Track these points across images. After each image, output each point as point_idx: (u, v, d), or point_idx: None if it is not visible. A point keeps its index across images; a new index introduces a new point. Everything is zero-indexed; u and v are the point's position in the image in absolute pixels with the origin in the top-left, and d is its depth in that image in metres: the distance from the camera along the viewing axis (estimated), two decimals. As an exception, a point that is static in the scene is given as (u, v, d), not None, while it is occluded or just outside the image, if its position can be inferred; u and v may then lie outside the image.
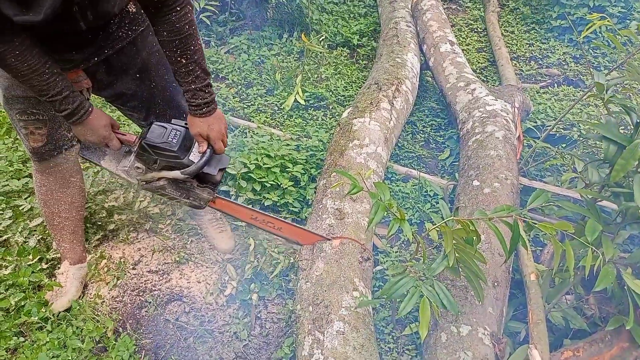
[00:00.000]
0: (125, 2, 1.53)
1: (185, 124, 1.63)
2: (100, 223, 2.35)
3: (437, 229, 1.50)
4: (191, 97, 1.56)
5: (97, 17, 1.45)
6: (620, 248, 1.52)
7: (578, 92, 3.05)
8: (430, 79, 3.29)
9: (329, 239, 1.94)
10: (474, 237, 1.45)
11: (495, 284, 1.76)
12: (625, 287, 1.32)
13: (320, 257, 1.94)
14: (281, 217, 2.38)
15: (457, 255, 1.53)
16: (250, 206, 1.91)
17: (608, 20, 1.38)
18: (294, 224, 1.93)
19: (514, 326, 1.82)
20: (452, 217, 1.48)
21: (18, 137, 1.87)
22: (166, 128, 1.59)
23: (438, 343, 1.63)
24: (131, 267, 2.19)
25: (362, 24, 4.09)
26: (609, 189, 1.40)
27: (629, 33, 1.43)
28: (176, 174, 1.61)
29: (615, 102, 1.32)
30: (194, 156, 1.61)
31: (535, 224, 1.36)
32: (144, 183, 1.69)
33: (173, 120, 1.64)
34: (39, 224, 2.28)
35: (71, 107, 1.47)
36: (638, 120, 1.29)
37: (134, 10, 1.67)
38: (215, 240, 2.30)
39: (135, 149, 1.65)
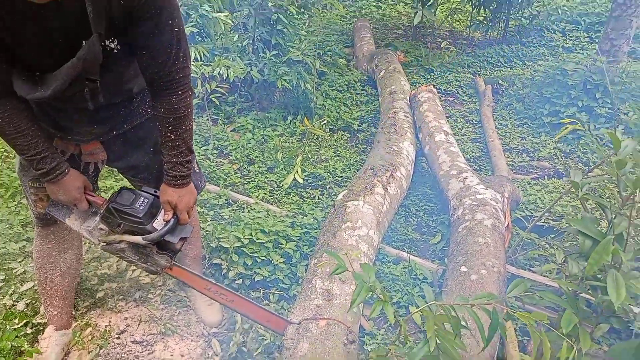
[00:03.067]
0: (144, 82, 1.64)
1: (155, 191, 1.71)
2: (90, 290, 2.36)
3: (420, 312, 1.51)
4: (170, 168, 1.66)
5: (111, 98, 1.58)
6: (601, 341, 1.53)
7: (567, 186, 3.15)
8: (425, 165, 3.41)
9: (288, 321, 1.95)
10: (456, 323, 1.46)
11: (479, 375, 1.74)
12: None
13: (305, 337, 1.92)
14: (271, 292, 2.40)
15: (437, 341, 1.53)
16: (211, 279, 1.94)
17: (579, 125, 1.49)
18: (247, 298, 1.92)
19: (499, 420, 1.77)
20: (434, 302, 1.50)
21: (26, 201, 1.97)
22: (135, 194, 1.68)
23: None
24: (116, 336, 2.18)
25: (363, 110, 4.30)
26: (586, 281, 1.43)
27: (607, 133, 1.52)
28: (138, 239, 1.66)
29: (591, 199, 1.40)
30: (158, 224, 1.67)
31: (514, 312, 1.38)
32: (105, 244, 1.74)
33: (143, 188, 1.73)
34: (29, 288, 2.30)
35: (47, 167, 1.55)
36: (612, 218, 1.36)
37: (137, 100, 1.76)
38: (203, 313, 2.30)
39: (101, 211, 1.69)
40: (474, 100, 4.59)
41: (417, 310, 1.50)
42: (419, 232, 2.90)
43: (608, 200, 1.46)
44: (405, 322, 1.55)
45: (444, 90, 4.78)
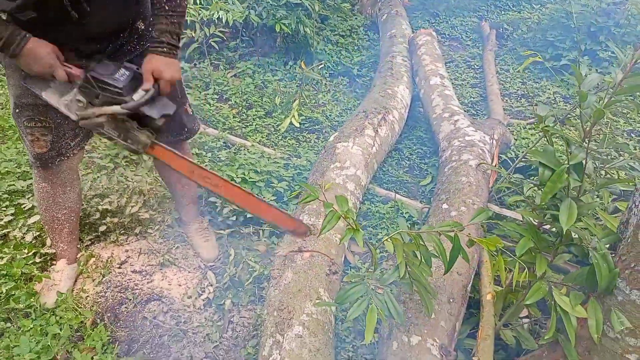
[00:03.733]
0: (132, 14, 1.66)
1: (137, 68, 1.66)
2: (93, 224, 2.51)
3: (390, 240, 1.61)
4: (160, 34, 1.65)
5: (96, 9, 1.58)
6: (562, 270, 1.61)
7: (564, 129, 3.17)
8: (421, 109, 3.44)
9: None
10: (424, 249, 1.56)
11: (451, 300, 1.85)
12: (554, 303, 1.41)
13: (290, 267, 2.05)
14: (261, 229, 2.52)
15: (408, 268, 1.63)
16: (195, 161, 1.85)
17: (539, 57, 1.52)
18: (232, 183, 1.86)
19: (469, 343, 1.90)
20: (403, 231, 1.59)
21: (23, 144, 2.00)
22: (116, 66, 1.62)
23: (389, 351, 1.72)
24: (117, 266, 2.33)
25: (364, 55, 4.29)
26: (547, 211, 1.51)
27: (572, 67, 1.52)
28: (116, 108, 1.61)
29: (550, 130, 1.45)
30: (138, 97, 1.62)
31: (474, 240, 1.47)
32: (83, 119, 1.68)
33: (125, 63, 1.67)
34: (36, 221, 2.45)
35: (4, 35, 1.49)
36: (571, 150, 1.41)
37: (143, 27, 1.81)
38: (200, 249, 2.43)
39: (80, 82, 1.63)
40: (477, 45, 4.52)
41: (387, 238, 1.60)
42: (410, 175, 2.97)
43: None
44: (375, 248, 1.65)
45: (448, 34, 4.71)
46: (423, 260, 1.61)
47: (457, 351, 1.81)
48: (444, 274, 1.62)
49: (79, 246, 2.35)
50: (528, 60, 1.55)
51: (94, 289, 2.24)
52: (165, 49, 1.66)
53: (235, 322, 2.16)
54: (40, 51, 1.56)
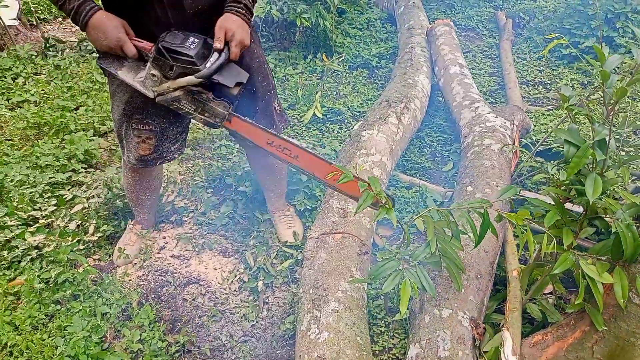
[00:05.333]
0: None
1: (206, 37, 1.65)
2: (132, 213, 2.64)
3: (421, 218, 1.71)
4: None
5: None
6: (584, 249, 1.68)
7: (581, 118, 3.22)
8: (441, 99, 3.51)
9: (348, 174, 1.69)
10: (454, 225, 1.65)
11: (479, 276, 1.94)
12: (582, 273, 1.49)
13: (323, 248, 2.16)
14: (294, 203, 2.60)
15: (438, 244, 1.73)
16: (272, 132, 1.81)
17: (563, 39, 1.59)
18: (312, 152, 1.81)
19: (496, 318, 1.99)
20: (433, 208, 1.68)
21: (122, 148, 2.08)
22: (185, 35, 1.61)
23: (421, 324, 1.82)
24: (157, 251, 2.46)
25: (382, 47, 4.36)
26: (571, 186, 1.59)
27: (594, 47, 1.60)
28: (190, 78, 1.60)
29: (575, 109, 1.53)
30: (210, 62, 1.60)
31: (503, 214, 1.55)
32: (159, 95, 1.69)
33: (193, 33, 1.66)
34: (78, 210, 2.58)
35: (75, 5, 1.53)
36: (595, 127, 1.49)
37: None
38: (280, 235, 2.49)
39: (152, 55, 1.63)
40: (494, 34, 4.57)
41: (419, 216, 1.69)
42: (432, 161, 3.06)
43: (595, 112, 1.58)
44: (407, 226, 1.75)
45: (465, 25, 4.76)
46: (453, 236, 1.70)
47: (486, 325, 1.90)
48: (474, 248, 1.71)
49: (154, 215, 2.54)
50: (553, 42, 1.62)
51: (135, 273, 2.37)
52: (242, 10, 1.66)
53: (271, 303, 2.27)
54: (108, 24, 1.57)
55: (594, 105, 1.90)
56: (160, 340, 2.01)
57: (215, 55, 1.61)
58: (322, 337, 1.76)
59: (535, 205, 1.67)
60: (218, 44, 1.61)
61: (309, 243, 2.24)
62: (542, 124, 3.17)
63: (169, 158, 2.09)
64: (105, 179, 2.74)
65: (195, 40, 1.61)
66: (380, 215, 1.68)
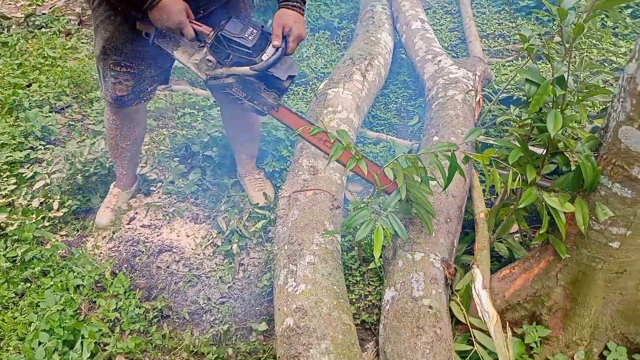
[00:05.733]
0: None
1: (263, 26, 1.69)
2: (104, 182, 2.58)
3: (391, 167, 1.73)
4: None
5: None
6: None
7: (540, 64, 3.29)
8: (404, 55, 3.51)
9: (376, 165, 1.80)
10: (422, 170, 1.68)
11: (448, 220, 1.99)
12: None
13: (295, 206, 2.16)
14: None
15: (408, 191, 1.75)
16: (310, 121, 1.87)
17: None
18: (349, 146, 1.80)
19: (466, 259, 2.05)
20: (402, 155, 1.71)
21: (101, 88, 2.10)
22: (244, 24, 1.64)
23: (395, 269, 1.86)
24: (126, 222, 2.42)
25: (342, 8, 4.31)
26: (533, 124, 1.63)
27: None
28: (245, 69, 1.65)
29: (535, 48, 1.56)
30: (266, 56, 1.64)
31: (470, 155, 1.59)
32: (212, 79, 1.73)
33: (251, 21, 1.71)
34: (40, 187, 2.51)
35: None
36: (554, 65, 1.52)
37: None
38: (251, 197, 2.49)
39: (210, 41, 1.67)
40: (453, -10, 4.58)
41: (388, 164, 1.71)
42: (398, 117, 3.08)
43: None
44: (378, 176, 1.77)
45: (423, -18, 4.74)
46: (422, 181, 1.73)
47: (456, 266, 1.96)
48: (443, 190, 1.74)
49: (135, 177, 2.51)
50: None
51: (106, 245, 2.33)
52: (296, 4, 1.70)
53: (246, 264, 2.28)
54: (173, 7, 1.62)
55: (553, 46, 1.94)
56: (137, 307, 2.00)
57: (272, 49, 1.65)
58: (299, 289, 1.79)
59: (499, 146, 1.71)
60: (276, 41, 1.66)
61: (281, 202, 2.25)
62: (502, 75, 3.23)
63: (145, 98, 2.11)
64: (67, 154, 2.66)
65: (254, 30, 1.64)
66: (351, 165, 1.69)
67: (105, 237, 2.37)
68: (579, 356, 1.70)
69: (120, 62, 1.91)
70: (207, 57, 1.71)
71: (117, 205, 2.43)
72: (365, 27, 3.47)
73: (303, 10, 1.74)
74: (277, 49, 1.65)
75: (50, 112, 3.10)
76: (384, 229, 1.69)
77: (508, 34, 3.85)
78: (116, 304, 2.00)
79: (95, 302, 2.04)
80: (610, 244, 1.55)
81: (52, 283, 2.08)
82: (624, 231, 1.52)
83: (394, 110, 3.13)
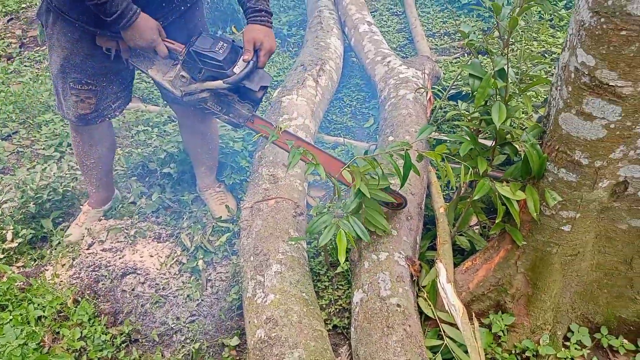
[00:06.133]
0: None
1: (233, 41, 1.73)
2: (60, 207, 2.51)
3: (348, 169, 1.75)
4: (255, 2, 1.74)
5: None
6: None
7: (485, 59, 3.40)
8: (354, 59, 3.57)
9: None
10: (379, 171, 1.71)
11: (409, 217, 2.03)
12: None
13: (258, 216, 2.16)
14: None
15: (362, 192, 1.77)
16: (296, 135, 1.89)
17: None
18: (326, 152, 1.90)
19: (430, 255, 2.10)
20: (359, 157, 1.73)
21: (60, 107, 2.03)
22: (214, 39, 1.68)
23: (362, 270, 1.88)
24: (85, 248, 2.35)
25: (290, 15, 4.34)
26: (481, 117, 1.69)
27: None
28: (219, 83, 1.68)
29: (475, 43, 1.62)
30: (238, 69, 1.68)
31: (423, 153, 1.63)
32: (187, 95, 1.75)
33: (222, 36, 1.74)
34: (-9, 219, 2.41)
35: (120, 8, 1.58)
36: (494, 56, 1.59)
37: None
38: (213, 211, 2.45)
39: (182, 57, 1.71)
40: (397, -8, 4.68)
41: (345, 167, 1.73)
42: (353, 120, 3.12)
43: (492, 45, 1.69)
44: (336, 179, 1.79)
45: (368, -14, 4.83)
46: (379, 178, 1.76)
47: (421, 262, 2.00)
48: (400, 189, 1.78)
49: (107, 195, 2.46)
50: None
51: (66, 272, 2.26)
52: (264, 18, 1.74)
53: (214, 279, 2.26)
54: (146, 26, 1.66)
55: (492, 41, 2.02)
56: (103, 333, 1.95)
57: (244, 63, 1.69)
58: (268, 300, 1.79)
59: (451, 141, 1.77)
60: (247, 55, 1.71)
61: (243, 213, 2.24)
62: (451, 71, 3.32)
63: (110, 116, 2.07)
64: (17, 181, 2.56)
65: (224, 44, 1.68)
66: (309, 170, 1.70)
67: (64, 264, 2.29)
68: (544, 340, 1.76)
69: (81, 80, 1.88)
70: (180, 74, 1.74)
71: (86, 223, 2.38)
72: (314, 32, 3.50)
73: (271, 23, 1.79)
74: (248, 62, 1.69)
75: (-4, 140, 2.98)
76: (345, 232, 1.71)
77: (453, 31, 3.97)
78: (81, 332, 1.95)
79: (58, 332, 1.98)
80: (562, 228, 1.62)
81: (11, 317, 1.99)
82: (573, 214, 1.60)
83: (349, 113, 3.17)
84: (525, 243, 1.71)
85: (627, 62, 1.30)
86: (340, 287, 2.10)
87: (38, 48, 4.16)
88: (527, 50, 3.20)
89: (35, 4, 4.67)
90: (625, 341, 1.78)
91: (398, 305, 1.69)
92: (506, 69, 1.56)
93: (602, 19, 1.30)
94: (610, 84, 1.35)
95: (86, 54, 1.83)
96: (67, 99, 1.95)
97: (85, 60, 1.84)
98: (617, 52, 1.30)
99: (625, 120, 1.38)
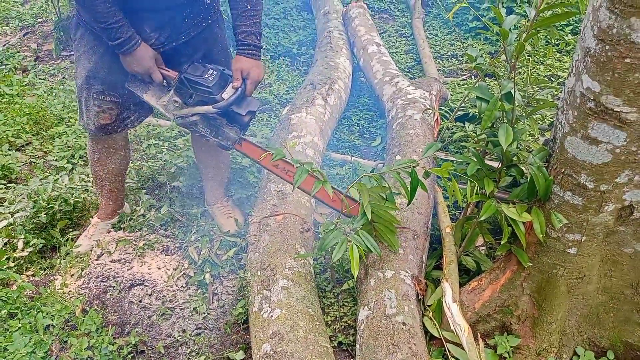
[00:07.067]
0: None
1: (223, 68, 1.85)
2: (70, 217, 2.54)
3: (355, 187, 1.78)
4: (245, 37, 1.85)
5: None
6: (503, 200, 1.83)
7: (492, 82, 3.45)
8: (363, 79, 3.63)
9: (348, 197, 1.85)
10: (386, 188, 1.74)
11: (415, 236, 2.05)
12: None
13: (266, 231, 2.19)
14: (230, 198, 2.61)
15: (372, 212, 1.80)
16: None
17: (465, 2, 1.73)
18: (315, 174, 1.88)
19: (436, 274, 2.11)
20: (366, 174, 1.77)
21: (82, 117, 2.11)
22: (205, 67, 1.82)
23: (368, 288, 1.90)
24: (95, 258, 2.38)
25: (300, 35, 4.43)
26: (488, 139, 1.72)
27: (491, 8, 1.74)
28: (208, 108, 1.81)
29: (483, 66, 1.66)
30: (226, 95, 1.82)
31: (429, 170, 1.66)
32: (179, 118, 1.89)
33: (212, 65, 1.86)
34: (4, 227, 2.44)
35: (124, 37, 1.72)
36: (501, 82, 1.63)
37: (208, 1, 1.94)
38: (221, 225, 2.48)
39: (174, 83, 1.84)
40: (405, 14, 4.77)
41: (352, 185, 1.76)
42: (361, 138, 3.17)
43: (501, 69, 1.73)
44: (345, 196, 1.82)
45: (377, 7, 4.93)
46: (387, 199, 1.79)
47: (427, 281, 2.02)
48: (407, 206, 1.81)
49: (119, 211, 2.50)
50: (456, 6, 1.75)
51: (75, 282, 2.28)
52: (251, 52, 1.85)
53: (220, 292, 2.28)
54: (145, 54, 1.78)
55: (499, 64, 2.06)
56: (110, 344, 1.96)
57: (232, 90, 1.83)
58: (274, 314, 1.80)
59: (458, 161, 1.80)
60: (236, 83, 1.84)
61: (251, 228, 2.27)
62: (458, 93, 3.37)
63: (129, 126, 2.15)
64: (29, 192, 2.60)
65: (214, 72, 1.81)
66: (317, 188, 1.73)
67: (73, 274, 2.32)
68: (549, 362, 1.76)
69: (104, 91, 1.98)
70: (173, 99, 1.87)
71: (95, 235, 2.41)
72: (323, 52, 3.57)
73: (259, 56, 1.90)
74: (236, 90, 1.82)
75: (9, 150, 3.04)
76: (357, 246, 1.74)
77: (460, 54, 4.03)
78: (88, 342, 1.96)
79: (66, 341, 1.99)
80: (568, 251, 1.64)
81: (20, 325, 2.02)
82: (579, 237, 1.62)
83: (357, 132, 3.22)
84: (531, 265, 1.72)
85: (631, 88, 1.33)
86: (346, 304, 2.11)
87: (52, 62, 4.25)
88: (534, 74, 3.24)
89: (51, 19, 4.79)
90: (631, 366, 1.78)
91: (403, 324, 1.70)
92: (513, 93, 1.60)
93: (607, 47, 1.34)
94: (615, 109, 1.38)
95: (110, 67, 1.92)
96: (89, 109, 2.03)
97: (109, 73, 1.94)
98: (622, 79, 1.33)
99: (630, 145, 1.41)
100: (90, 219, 2.51)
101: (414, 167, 1.63)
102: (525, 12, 3.76)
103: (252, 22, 1.84)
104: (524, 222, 1.63)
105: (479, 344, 1.65)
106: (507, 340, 1.80)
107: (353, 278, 1.68)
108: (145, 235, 2.51)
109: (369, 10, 4.24)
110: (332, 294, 2.15)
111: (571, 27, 4.05)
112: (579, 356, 1.81)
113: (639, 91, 1.33)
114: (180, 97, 1.86)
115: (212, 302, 2.24)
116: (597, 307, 1.77)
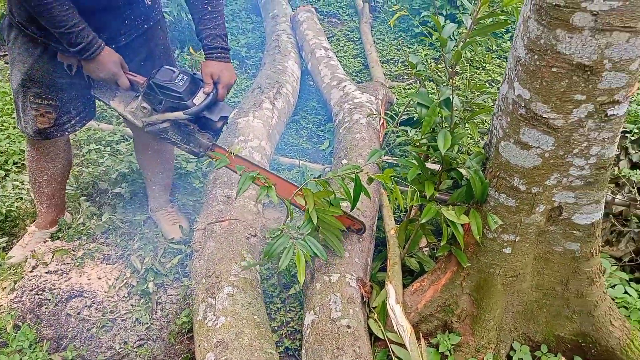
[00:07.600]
0: None
1: (194, 72, 1.77)
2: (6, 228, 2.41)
3: (300, 193, 1.78)
4: (211, 40, 1.77)
5: None
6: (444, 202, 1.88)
7: (435, 87, 3.54)
8: (311, 82, 3.64)
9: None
10: (331, 193, 1.75)
11: (361, 239, 2.08)
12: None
13: (211, 237, 2.15)
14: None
15: (318, 215, 1.81)
16: (248, 159, 1.95)
17: (405, 11, 1.77)
18: (287, 179, 1.95)
19: (381, 276, 2.14)
20: (311, 180, 1.77)
21: (20, 121, 2.00)
22: (174, 71, 1.73)
23: (314, 292, 1.90)
24: (29, 270, 2.26)
25: (249, 37, 4.39)
26: (428, 144, 1.77)
27: (431, 17, 1.79)
28: (179, 114, 1.72)
29: (423, 74, 1.70)
30: (198, 100, 1.73)
31: (372, 176, 1.68)
32: (148, 125, 1.79)
33: (182, 69, 1.78)
34: None
35: (85, 41, 1.62)
36: (440, 88, 1.67)
37: (149, 3, 1.87)
38: (165, 231, 2.42)
39: (143, 89, 1.75)
40: (354, 19, 4.82)
41: (297, 191, 1.76)
42: (309, 142, 3.17)
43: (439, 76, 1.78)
44: (289, 202, 1.81)
45: (326, 12, 4.96)
46: (331, 204, 1.80)
47: (372, 283, 2.04)
48: (351, 211, 1.82)
49: (56, 217, 2.38)
50: (397, 14, 1.79)
51: (7, 296, 2.16)
52: (220, 54, 1.79)
53: (164, 301, 2.22)
54: (109, 59, 1.70)
55: (440, 70, 2.12)
56: (44, 360, 1.87)
57: (204, 95, 1.75)
58: (219, 322, 1.77)
59: (400, 165, 1.83)
60: (207, 88, 1.77)
61: (196, 235, 2.22)
62: (404, 97, 3.44)
63: (70, 130, 2.05)
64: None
65: (184, 77, 1.73)
66: (262, 194, 1.72)
67: (5, 287, 2.20)
68: (487, 359, 1.82)
69: (41, 94, 1.89)
70: (142, 105, 1.78)
71: (30, 245, 2.30)
72: (271, 55, 3.56)
73: (228, 58, 1.85)
74: (208, 95, 1.75)
75: None
76: (304, 252, 1.73)
77: (406, 58, 4.12)
78: (20, 359, 1.86)
79: (-4, 360, 1.88)
80: (503, 250, 1.70)
81: (-57, 346, 1.90)
82: (513, 237, 1.68)
83: (305, 135, 3.22)
84: (469, 265, 1.78)
85: (557, 96, 1.40)
86: (293, 308, 2.10)
87: (-15, 62, 4.02)
88: (475, 79, 3.36)
89: (-16, 16, 4.52)
90: (563, 358, 1.87)
91: (348, 327, 1.71)
92: (451, 99, 1.65)
93: (536, 56, 1.40)
94: (544, 116, 1.44)
95: (47, 69, 1.84)
96: (26, 113, 1.94)
97: (46, 76, 1.85)
98: (549, 87, 1.40)
99: (557, 149, 1.48)
100: (27, 227, 2.38)
101: (357, 173, 1.64)
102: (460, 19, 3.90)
103: (215, 25, 1.78)
104: (462, 224, 1.68)
105: (421, 344, 1.68)
106: (448, 339, 1.85)
107: (299, 283, 1.68)
108: (84, 245, 2.41)
109: (318, 14, 4.27)
110: (279, 299, 2.14)
111: (510, 34, 4.22)
112: (515, 351, 1.88)
113: (565, 99, 1.40)
114: (149, 103, 1.77)
115: (156, 312, 2.18)
116: (531, 303, 1.85)
